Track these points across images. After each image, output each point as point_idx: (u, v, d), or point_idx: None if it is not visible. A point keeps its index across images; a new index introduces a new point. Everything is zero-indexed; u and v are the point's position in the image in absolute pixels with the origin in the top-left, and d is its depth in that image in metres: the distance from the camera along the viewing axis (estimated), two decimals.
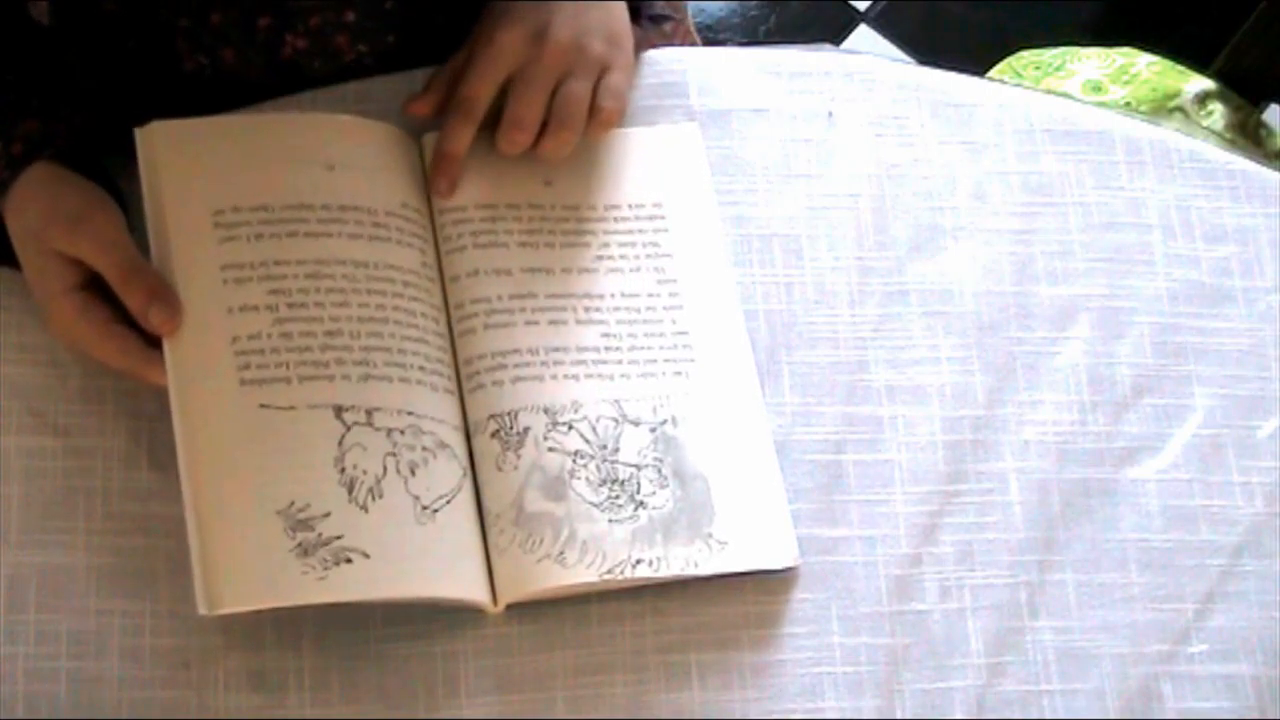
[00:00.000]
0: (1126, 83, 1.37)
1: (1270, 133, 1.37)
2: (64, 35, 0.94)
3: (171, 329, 0.85)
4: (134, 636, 0.86)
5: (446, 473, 0.87)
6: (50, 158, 0.88)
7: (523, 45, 0.91)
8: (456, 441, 0.88)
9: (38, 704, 0.84)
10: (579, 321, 0.92)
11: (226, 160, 0.90)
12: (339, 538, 0.83)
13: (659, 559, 0.87)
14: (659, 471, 0.89)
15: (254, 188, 0.90)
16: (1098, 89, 1.38)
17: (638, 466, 0.89)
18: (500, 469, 0.88)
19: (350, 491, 0.84)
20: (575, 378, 0.91)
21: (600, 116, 0.93)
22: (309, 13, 0.94)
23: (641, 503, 0.89)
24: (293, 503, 0.83)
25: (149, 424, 0.89)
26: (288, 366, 0.86)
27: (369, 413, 0.86)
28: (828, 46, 1.08)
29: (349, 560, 0.83)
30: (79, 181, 0.89)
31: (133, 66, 0.96)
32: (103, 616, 0.86)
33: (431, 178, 0.92)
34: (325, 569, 0.82)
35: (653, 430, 0.90)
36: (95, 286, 0.86)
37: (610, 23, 0.94)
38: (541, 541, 0.87)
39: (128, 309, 0.86)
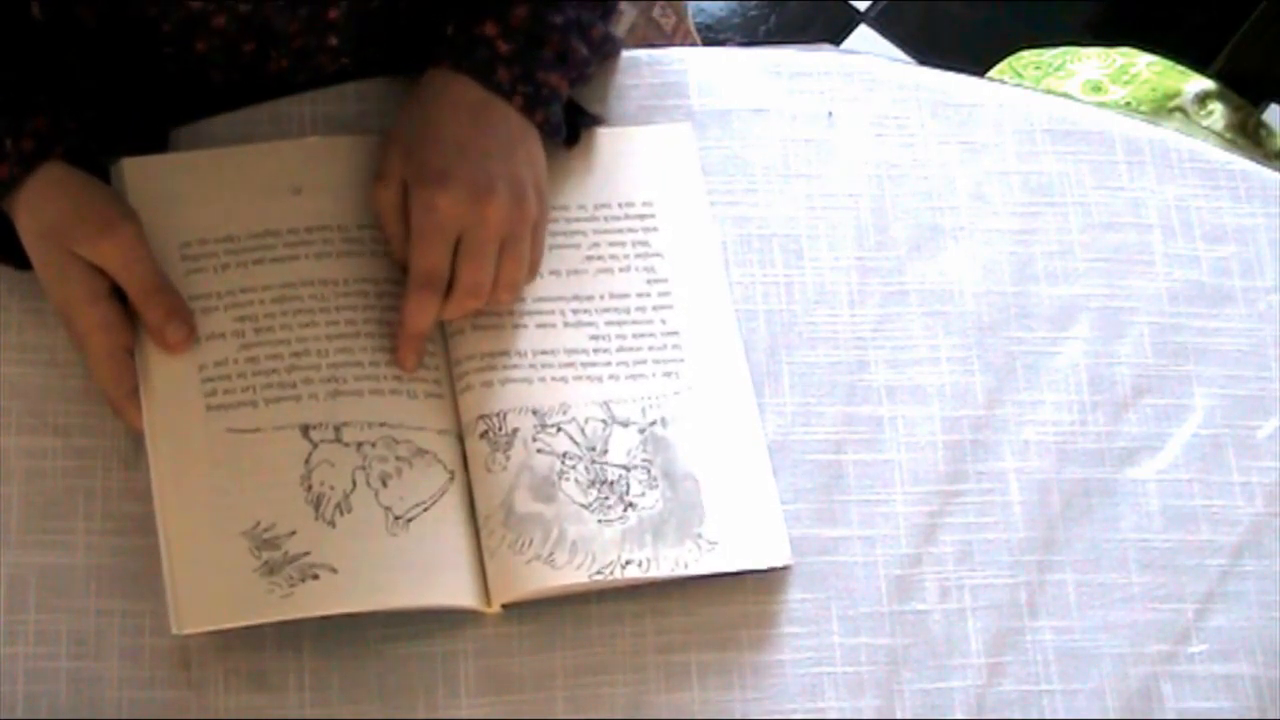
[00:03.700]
0: (1126, 83, 1.37)
1: (1270, 133, 1.37)
2: (59, 37, 0.94)
3: (184, 348, 0.87)
4: (134, 636, 0.86)
5: (424, 480, 0.87)
6: (62, 156, 0.88)
7: (466, 209, 0.87)
8: (441, 446, 0.88)
9: (38, 704, 0.84)
10: (567, 324, 0.92)
11: (194, 194, 0.92)
12: (305, 554, 0.84)
13: (648, 560, 0.87)
14: (648, 472, 0.89)
15: (220, 219, 0.91)
16: (1098, 89, 1.38)
17: (626, 468, 0.89)
18: (489, 470, 0.88)
19: (317, 508, 0.85)
20: (563, 380, 0.91)
21: (531, 276, 0.92)
22: (292, 37, 0.94)
23: (631, 504, 0.89)
24: (258, 523, 0.84)
25: None
26: (254, 390, 0.87)
27: (337, 429, 0.87)
28: (828, 46, 1.08)
29: (315, 576, 0.83)
30: (101, 185, 0.89)
31: (125, 71, 0.96)
32: (103, 616, 0.86)
33: (399, 356, 0.89)
34: (291, 586, 0.83)
35: (641, 431, 0.90)
36: (117, 297, 0.87)
37: (535, 165, 0.91)
38: (530, 543, 0.87)
39: (143, 322, 0.87)
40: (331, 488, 0.86)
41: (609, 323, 0.93)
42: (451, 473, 0.88)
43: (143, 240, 0.87)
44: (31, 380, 0.90)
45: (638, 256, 0.95)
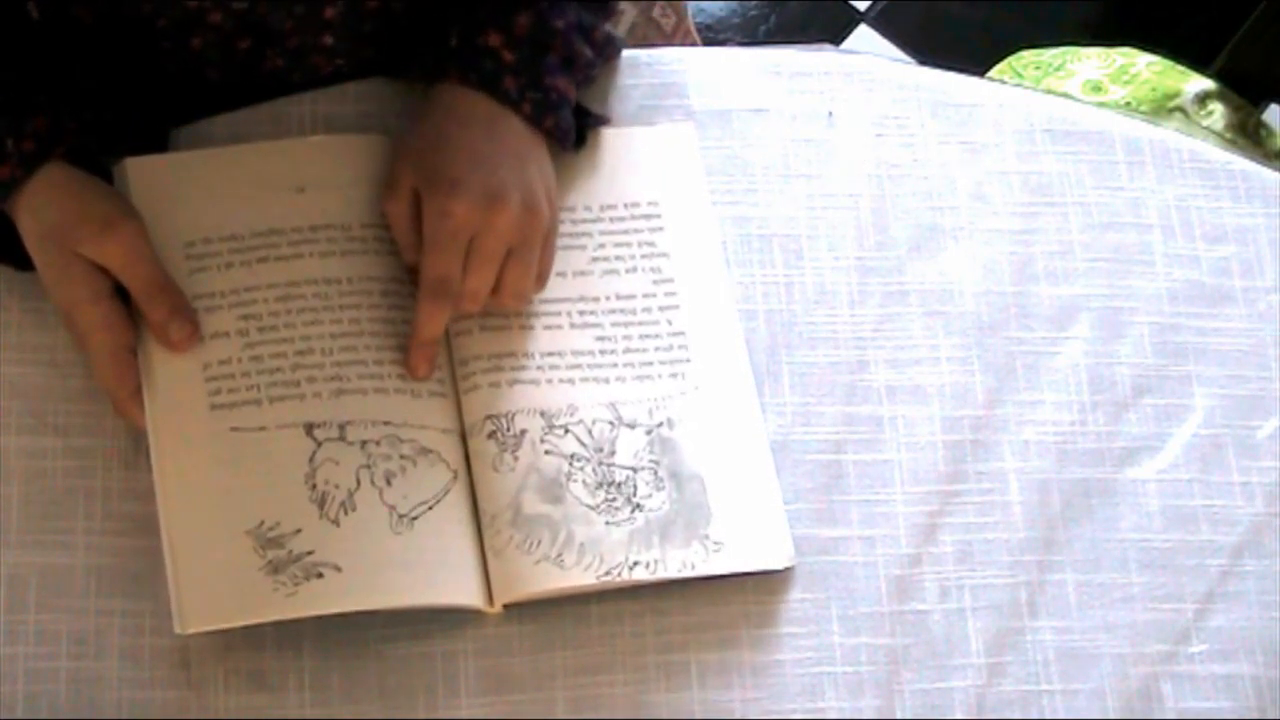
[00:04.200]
0: (1126, 83, 1.37)
1: (1270, 133, 1.37)
2: (57, 36, 0.94)
3: (188, 346, 0.87)
4: (134, 636, 0.86)
5: (428, 479, 0.87)
6: (63, 157, 0.88)
7: (477, 214, 0.87)
8: (445, 445, 0.88)
9: (38, 704, 0.84)
10: (573, 326, 0.92)
11: (198, 193, 0.92)
12: (310, 553, 0.84)
13: (656, 561, 0.87)
14: (655, 474, 0.90)
15: (224, 218, 0.91)
16: (1098, 89, 1.38)
17: (634, 469, 0.90)
18: (497, 470, 0.88)
19: (321, 507, 0.85)
20: (571, 382, 0.91)
21: (540, 285, 0.92)
22: (287, 35, 0.94)
23: (638, 505, 0.89)
24: (262, 522, 0.84)
25: None
26: (258, 389, 0.87)
27: (341, 427, 0.87)
28: (828, 46, 1.08)
29: (320, 575, 0.83)
30: (102, 185, 0.89)
31: (122, 70, 0.96)
32: (103, 616, 0.86)
33: (411, 362, 0.89)
34: (295, 585, 0.83)
35: (649, 433, 0.90)
36: (120, 296, 0.87)
37: (546, 175, 0.92)
38: (539, 543, 0.87)
39: (146, 321, 0.87)
40: (336, 486, 0.86)
41: (615, 324, 0.93)
42: (455, 472, 0.88)
43: (145, 239, 0.87)
44: (31, 380, 0.90)
45: (643, 257, 0.95)
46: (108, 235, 0.86)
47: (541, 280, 0.91)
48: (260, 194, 0.92)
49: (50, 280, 0.87)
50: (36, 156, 0.87)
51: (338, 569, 0.84)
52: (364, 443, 0.87)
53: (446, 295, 0.88)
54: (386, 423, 0.88)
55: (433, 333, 0.89)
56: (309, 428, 0.87)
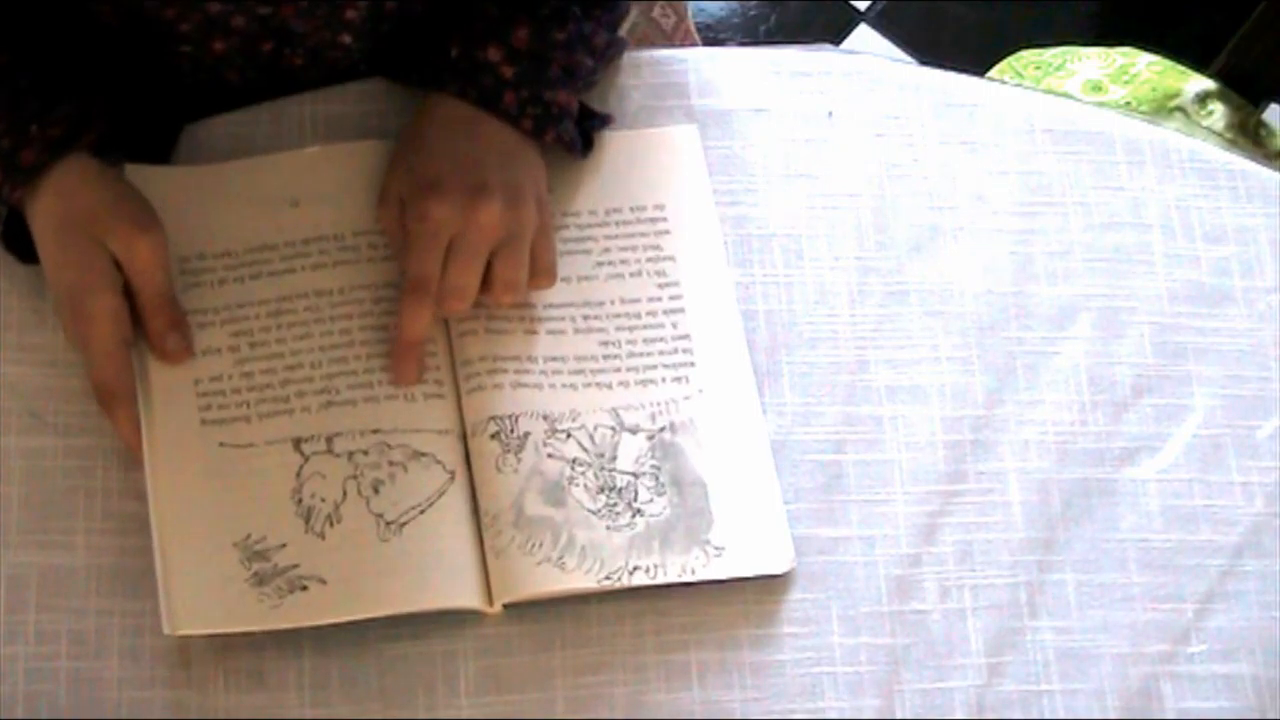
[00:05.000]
0: (1126, 83, 1.37)
1: (1270, 133, 1.37)
2: (75, 34, 0.94)
3: (180, 360, 0.88)
4: (134, 636, 0.86)
5: (420, 483, 0.87)
6: (90, 146, 0.88)
7: (458, 213, 0.88)
8: (440, 446, 0.88)
9: (38, 704, 0.84)
10: (577, 330, 0.92)
11: (194, 209, 0.92)
12: (295, 566, 0.85)
13: (656, 566, 0.87)
14: (656, 479, 0.90)
15: (219, 234, 0.92)
16: (1098, 89, 1.38)
17: (635, 474, 0.90)
18: (500, 470, 0.88)
19: (307, 521, 0.86)
20: (573, 387, 0.91)
21: (538, 282, 0.91)
22: (307, 36, 0.95)
23: (639, 510, 0.89)
24: (249, 535, 0.85)
25: None
26: (248, 405, 0.88)
27: (329, 440, 0.88)
28: (828, 46, 1.07)
29: (305, 588, 0.84)
30: (131, 184, 0.90)
31: (138, 70, 0.96)
32: (103, 616, 0.86)
33: (396, 367, 0.89)
34: (280, 597, 0.84)
35: (650, 438, 0.90)
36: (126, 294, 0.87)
37: (534, 173, 0.92)
38: (540, 545, 0.87)
39: (145, 327, 0.88)
40: (322, 500, 0.86)
41: (619, 329, 0.93)
42: (452, 473, 0.88)
43: (167, 248, 0.88)
44: (31, 380, 0.90)
45: (649, 260, 0.95)
46: (140, 235, 0.87)
47: (546, 276, 0.91)
48: (254, 209, 0.93)
49: (64, 263, 0.87)
50: (63, 143, 0.87)
51: (322, 581, 0.84)
52: (351, 454, 0.87)
53: (425, 294, 0.88)
54: (375, 431, 0.88)
55: (414, 334, 0.88)
56: (297, 443, 0.87)
